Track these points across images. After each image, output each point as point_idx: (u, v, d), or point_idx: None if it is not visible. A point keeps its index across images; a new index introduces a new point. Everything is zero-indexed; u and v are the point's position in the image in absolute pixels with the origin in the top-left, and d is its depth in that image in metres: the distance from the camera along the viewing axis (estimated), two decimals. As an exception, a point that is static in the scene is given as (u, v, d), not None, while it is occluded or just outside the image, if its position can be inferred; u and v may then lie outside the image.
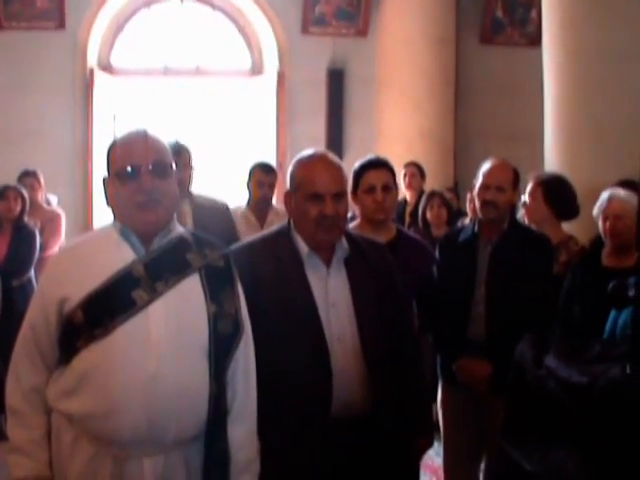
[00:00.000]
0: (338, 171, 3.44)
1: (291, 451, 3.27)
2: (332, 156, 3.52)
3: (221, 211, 5.91)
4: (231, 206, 6.22)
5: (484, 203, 4.58)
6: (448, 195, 8.48)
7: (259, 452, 3.07)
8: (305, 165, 3.46)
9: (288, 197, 3.50)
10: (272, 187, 7.04)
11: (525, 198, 5.43)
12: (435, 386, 5.02)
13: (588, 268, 4.73)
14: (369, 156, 4.58)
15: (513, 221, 4.72)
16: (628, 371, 1.85)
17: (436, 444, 5.02)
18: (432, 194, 7.83)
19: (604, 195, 4.82)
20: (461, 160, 11.00)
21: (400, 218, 8.13)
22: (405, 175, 8.90)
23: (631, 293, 1.94)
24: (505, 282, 4.50)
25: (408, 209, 8.45)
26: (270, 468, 3.09)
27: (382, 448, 3.42)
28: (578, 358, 1.96)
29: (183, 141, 5.77)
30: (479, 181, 4.64)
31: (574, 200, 5.40)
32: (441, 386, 4.91)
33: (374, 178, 4.37)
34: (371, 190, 4.36)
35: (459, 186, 10.27)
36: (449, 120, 11.13)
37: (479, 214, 4.69)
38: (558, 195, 5.36)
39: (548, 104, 6.98)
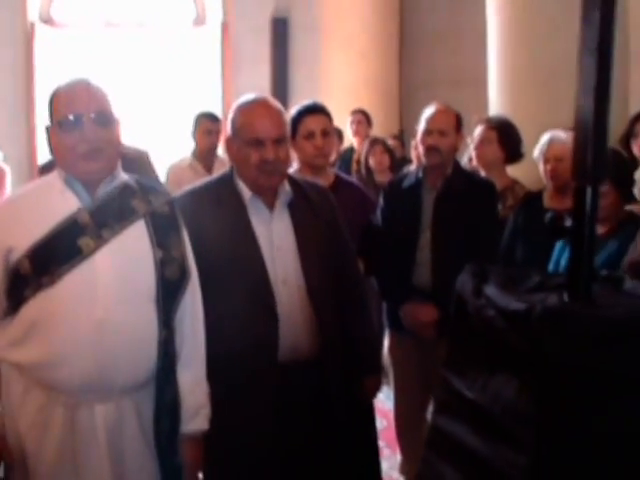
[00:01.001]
0: (278, 116, 3.45)
1: (240, 395, 3.30)
2: (272, 101, 3.52)
3: (144, 160, 5.90)
4: (176, 158, 6.21)
5: (427, 148, 4.61)
6: (393, 143, 8.52)
7: (209, 397, 3.10)
8: (245, 110, 3.47)
9: (229, 143, 3.51)
10: (219, 135, 7.02)
11: (473, 142, 5.47)
12: (382, 331, 5.08)
13: (530, 210, 4.79)
14: (306, 102, 4.58)
15: (457, 167, 4.76)
16: (565, 299, 1.91)
17: (386, 388, 5.12)
18: (374, 141, 7.85)
19: (545, 138, 4.88)
20: (406, 108, 11.02)
21: (347, 165, 8.16)
22: (352, 122, 8.92)
23: (568, 223, 1.99)
24: (450, 227, 4.54)
25: (355, 156, 8.49)
26: (220, 413, 3.13)
27: (331, 390, 3.47)
28: (517, 288, 2.01)
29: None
30: (421, 127, 4.67)
31: (521, 144, 5.46)
32: (389, 332, 4.97)
33: (312, 124, 4.38)
34: (310, 136, 4.37)
35: (404, 134, 10.30)
36: (394, 68, 11.15)
37: (423, 160, 4.72)
38: (510, 138, 5.41)
39: (492, 49, 7.01)
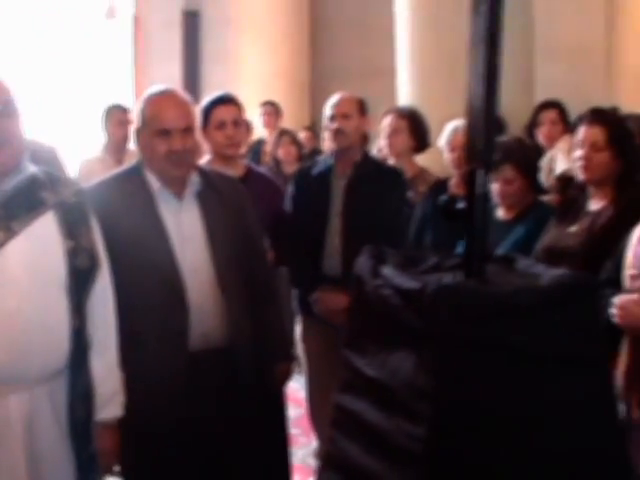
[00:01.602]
0: (185, 106, 3.49)
1: (152, 383, 3.33)
2: (180, 92, 3.56)
3: (51, 155, 5.86)
4: (86, 152, 6.18)
5: (332, 132, 4.71)
6: (306, 134, 8.62)
7: (123, 384, 3.13)
8: (153, 101, 3.49)
9: (138, 134, 3.53)
10: (130, 126, 7.00)
11: (384, 132, 5.58)
12: (293, 318, 5.14)
13: (438, 196, 4.89)
14: (217, 93, 4.63)
15: (366, 154, 4.86)
16: (461, 278, 2.00)
17: (300, 377, 5.19)
18: (282, 132, 8.00)
19: (450, 127, 4.99)
20: (318, 99, 11.06)
21: (257, 156, 8.23)
22: (262, 114, 8.99)
23: (460, 206, 2.07)
24: (359, 214, 4.62)
25: (265, 147, 8.55)
26: (134, 400, 3.16)
27: (242, 378, 3.52)
28: (415, 268, 2.10)
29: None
30: (327, 114, 4.77)
31: (429, 133, 5.58)
32: (301, 320, 5.03)
33: (224, 113, 4.43)
34: (221, 125, 4.43)
35: (316, 125, 10.38)
36: (305, 60, 11.22)
37: (331, 145, 4.81)
38: (419, 127, 5.53)
39: (400, 40, 7.12)
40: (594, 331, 2.09)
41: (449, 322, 1.87)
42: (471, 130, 2.00)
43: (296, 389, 5.88)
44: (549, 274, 2.02)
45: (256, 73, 10.74)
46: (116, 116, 6.94)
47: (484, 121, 1.96)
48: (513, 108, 6.37)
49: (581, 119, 4.13)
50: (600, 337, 2.19)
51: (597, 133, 3.94)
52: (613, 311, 3.24)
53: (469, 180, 2.02)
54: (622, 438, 2.20)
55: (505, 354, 1.90)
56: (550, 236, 4.07)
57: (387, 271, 2.05)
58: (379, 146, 5.89)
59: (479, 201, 2.00)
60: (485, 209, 2.04)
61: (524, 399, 1.91)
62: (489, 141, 1.97)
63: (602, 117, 4.02)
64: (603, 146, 3.92)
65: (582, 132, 4.00)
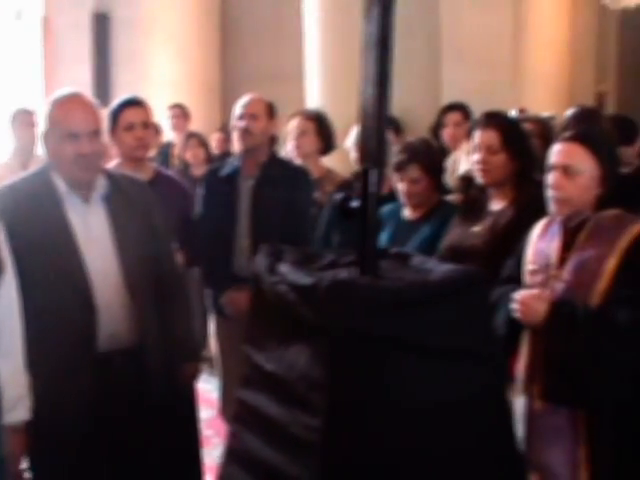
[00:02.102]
0: (92, 109, 3.49)
1: (60, 385, 3.33)
2: (86, 95, 3.56)
3: None
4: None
5: (240, 132, 4.76)
6: (218, 136, 8.65)
7: (30, 388, 3.13)
8: (60, 105, 3.49)
9: (45, 137, 3.53)
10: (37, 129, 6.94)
11: (291, 134, 5.64)
12: (205, 317, 5.16)
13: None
14: (126, 95, 4.64)
15: (273, 155, 4.92)
16: (355, 274, 2.06)
17: (213, 379, 5.21)
18: (190, 135, 8.04)
19: (356, 128, 5.07)
20: (229, 102, 11.05)
21: (165, 159, 8.22)
22: (170, 117, 8.98)
23: (355, 204, 2.13)
24: (267, 215, 4.67)
25: (174, 150, 8.55)
26: (42, 403, 3.16)
27: (151, 378, 3.54)
28: (311, 265, 2.15)
29: None
30: (235, 114, 4.82)
31: (335, 135, 5.68)
32: (215, 320, 5.06)
33: (132, 116, 4.45)
34: (130, 127, 4.44)
35: (228, 128, 10.39)
36: (216, 63, 11.22)
37: (238, 146, 4.85)
38: (326, 130, 5.62)
39: (309, 44, 7.18)
40: (485, 325, 2.17)
41: (342, 316, 1.93)
42: (364, 131, 2.06)
43: (208, 390, 5.90)
44: (441, 269, 2.10)
45: (166, 76, 10.71)
46: (22, 119, 6.86)
47: (376, 122, 2.02)
48: (419, 109, 6.49)
49: (476, 123, 4.24)
50: (492, 331, 2.27)
51: (491, 136, 4.03)
52: (514, 306, 3.33)
53: (362, 180, 2.08)
54: (512, 431, 2.28)
55: (396, 347, 1.96)
56: (454, 235, 4.15)
57: (283, 268, 2.11)
58: (285, 150, 5.97)
59: (372, 199, 2.06)
60: (376, 207, 2.10)
61: (414, 391, 1.98)
62: (381, 142, 2.03)
63: (495, 120, 4.11)
64: (498, 149, 4.01)
65: (477, 136, 4.09)
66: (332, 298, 1.92)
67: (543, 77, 10.85)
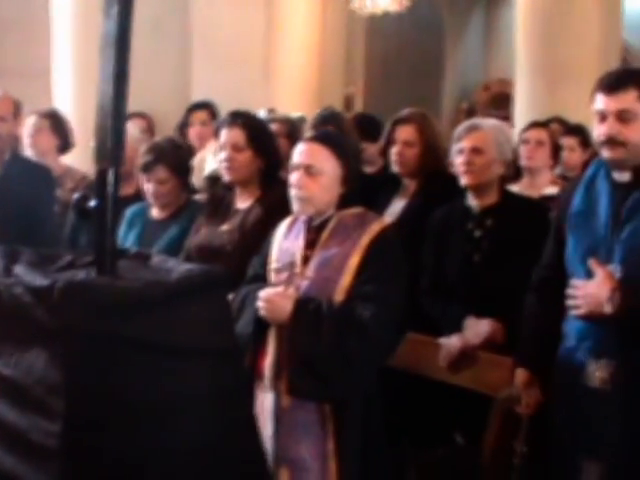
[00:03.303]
0: None
1: None
2: None
3: None
4: None
5: None
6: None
7: None
8: None
9: None
10: None
11: (27, 131, 5.57)
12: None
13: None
14: None
15: (14, 153, 4.83)
16: (93, 275, 2.03)
17: None
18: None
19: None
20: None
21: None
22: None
23: (92, 204, 2.11)
24: (3, 214, 4.56)
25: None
26: None
27: None
28: (48, 266, 2.11)
29: None
30: None
31: (72, 132, 5.66)
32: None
33: None
34: None
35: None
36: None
37: None
38: (62, 127, 5.58)
39: (59, 40, 7.03)
40: (225, 324, 2.19)
41: (78, 318, 1.90)
42: (100, 130, 2.03)
43: None
44: (179, 269, 2.10)
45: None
46: None
47: (113, 121, 2.00)
48: (168, 108, 6.47)
49: (222, 122, 4.29)
50: (232, 329, 2.29)
51: (237, 134, 4.10)
52: (259, 304, 3.37)
53: (99, 179, 2.05)
54: (254, 427, 2.31)
55: (134, 347, 1.95)
56: (202, 235, 4.16)
57: (19, 269, 2.05)
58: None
59: (109, 199, 2.04)
60: (115, 207, 2.08)
61: (154, 391, 1.98)
62: (118, 141, 2.01)
63: (241, 119, 4.18)
64: (244, 146, 4.09)
65: (223, 134, 4.15)
66: (67, 299, 1.88)
67: (293, 77, 11.00)
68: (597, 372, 3.17)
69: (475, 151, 4.02)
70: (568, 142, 6.19)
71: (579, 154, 6.31)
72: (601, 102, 3.20)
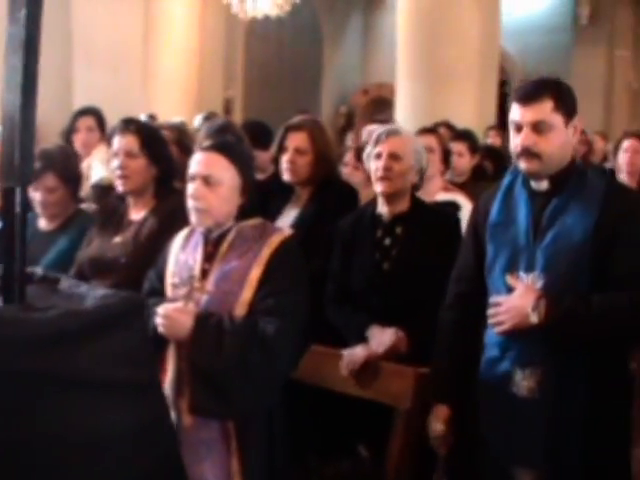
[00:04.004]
0: None
1: None
2: None
3: None
4: None
5: None
6: None
7: None
8: None
9: None
10: None
11: None
12: None
13: None
14: None
15: None
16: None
17: None
18: None
19: None
20: None
21: None
22: None
23: None
24: None
25: None
26: None
27: None
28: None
29: None
30: None
31: None
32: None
33: None
34: None
35: None
36: None
37: None
38: None
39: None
40: (145, 354, 2.05)
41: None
42: (7, 144, 1.87)
43: None
44: (94, 295, 1.95)
45: None
46: None
47: (21, 134, 1.84)
48: (51, 115, 6.25)
49: (114, 129, 4.15)
50: (150, 359, 2.15)
51: (130, 141, 4.00)
52: (158, 321, 3.24)
53: (6, 199, 1.89)
54: (180, 464, 2.18)
55: (51, 383, 1.79)
56: (94, 247, 4.01)
57: None
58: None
59: (17, 220, 1.88)
60: (24, 230, 1.91)
61: (75, 428, 1.82)
62: (26, 157, 1.85)
63: (134, 126, 4.06)
64: (138, 153, 3.98)
65: (116, 142, 4.02)
66: None
67: (173, 82, 10.93)
68: (524, 381, 3.16)
69: (393, 157, 3.98)
70: (457, 147, 6.19)
71: (468, 159, 6.33)
72: (517, 113, 3.18)
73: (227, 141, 3.74)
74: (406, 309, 3.81)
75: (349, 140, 9.40)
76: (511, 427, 3.20)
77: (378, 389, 3.77)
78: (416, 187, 4.12)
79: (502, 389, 3.22)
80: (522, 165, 3.20)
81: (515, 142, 3.20)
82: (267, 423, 3.34)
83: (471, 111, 9.44)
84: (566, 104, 3.17)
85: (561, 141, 3.16)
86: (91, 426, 1.82)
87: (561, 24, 16.76)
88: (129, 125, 4.04)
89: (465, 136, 6.59)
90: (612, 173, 5.74)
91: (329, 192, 4.56)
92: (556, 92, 3.16)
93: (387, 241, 4.02)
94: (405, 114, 9.80)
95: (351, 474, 3.88)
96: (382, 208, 4.05)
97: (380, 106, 14.88)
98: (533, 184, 3.25)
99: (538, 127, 3.13)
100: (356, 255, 4.06)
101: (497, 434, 3.25)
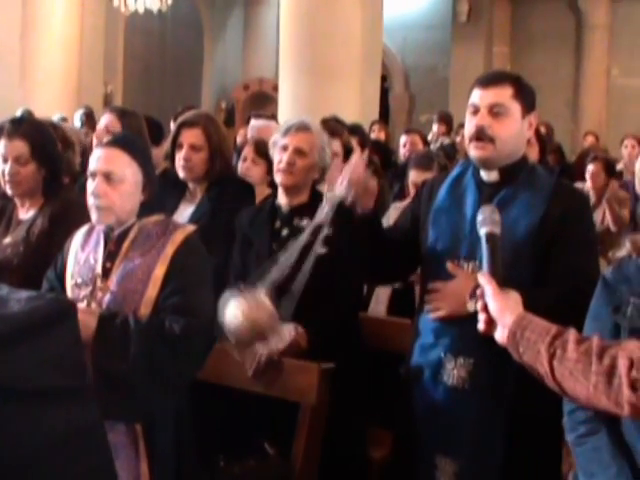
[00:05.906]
0: None
1: None
2: None
3: None
4: None
5: None
6: None
7: None
8: None
9: None
10: None
11: None
12: None
13: None
14: None
15: None
16: None
17: None
18: None
19: None
20: None
21: None
22: None
23: None
24: None
25: None
26: None
27: None
28: None
29: None
30: None
31: None
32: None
33: None
34: None
35: None
36: None
37: None
38: None
39: None
40: (76, 358, 1.99)
41: None
42: None
43: None
44: (17, 297, 1.87)
45: None
46: None
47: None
48: None
49: (1, 132, 3.95)
50: (82, 364, 2.08)
51: (19, 146, 3.86)
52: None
53: None
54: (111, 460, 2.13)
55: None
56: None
57: None
58: None
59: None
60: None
61: (9, 438, 1.75)
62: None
63: (23, 130, 3.90)
64: (28, 159, 3.86)
65: (3, 146, 3.86)
66: None
67: (52, 77, 10.73)
68: (455, 370, 3.18)
69: (298, 152, 3.94)
70: (347, 141, 6.19)
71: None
72: (476, 96, 3.21)
73: (128, 136, 3.66)
74: (304, 302, 3.75)
75: (240, 136, 9.33)
76: (439, 416, 3.23)
77: (283, 386, 3.75)
78: (317, 181, 4.11)
79: (433, 376, 3.24)
80: (473, 153, 3.23)
81: (470, 124, 3.21)
82: (175, 425, 3.29)
83: (354, 106, 9.47)
84: (525, 96, 3.22)
85: (516, 130, 3.20)
86: (26, 434, 1.76)
87: (440, 21, 17.06)
88: (17, 128, 3.88)
89: (355, 131, 6.60)
90: (561, 172, 5.84)
91: (225, 188, 4.53)
92: (517, 82, 3.22)
93: (285, 232, 3.98)
94: (287, 110, 9.78)
95: (257, 472, 3.85)
96: (281, 199, 4.02)
97: (261, 101, 14.87)
98: (483, 174, 3.27)
99: (495, 110, 3.16)
100: (254, 246, 4.03)
101: (424, 421, 3.28)
